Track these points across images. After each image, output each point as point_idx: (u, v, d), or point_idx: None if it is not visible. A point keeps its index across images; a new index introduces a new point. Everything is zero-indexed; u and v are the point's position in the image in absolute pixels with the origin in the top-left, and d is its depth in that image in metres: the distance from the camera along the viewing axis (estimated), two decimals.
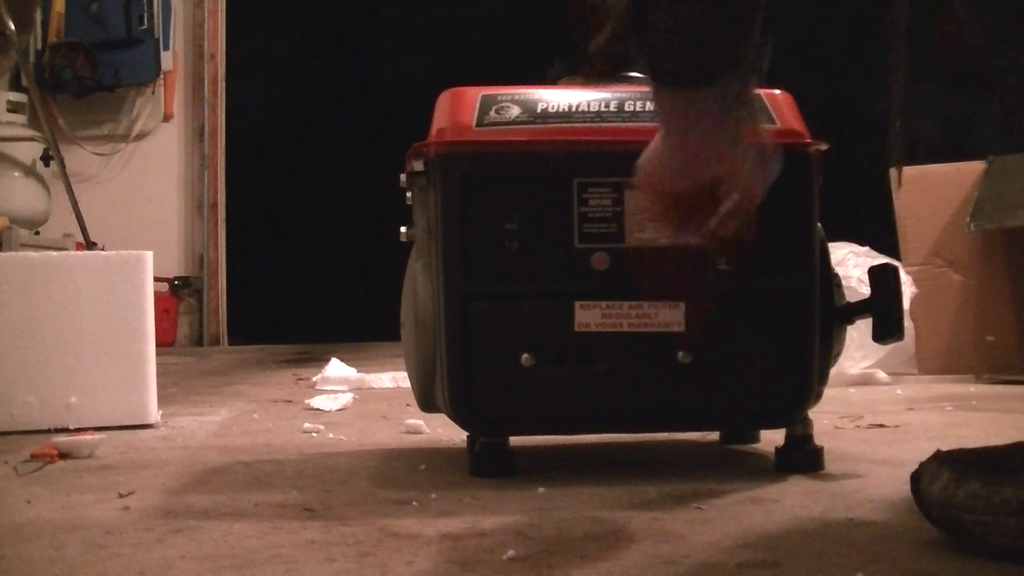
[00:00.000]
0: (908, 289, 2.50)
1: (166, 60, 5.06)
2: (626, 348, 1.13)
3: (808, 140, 1.15)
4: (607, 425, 1.24)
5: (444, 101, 1.18)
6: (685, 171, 0.95)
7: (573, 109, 1.15)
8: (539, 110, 1.15)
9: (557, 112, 1.15)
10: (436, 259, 1.14)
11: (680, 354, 1.13)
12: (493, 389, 1.14)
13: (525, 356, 1.12)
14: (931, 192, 2.74)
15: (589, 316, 1.13)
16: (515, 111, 1.15)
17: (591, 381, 1.14)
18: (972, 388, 2.27)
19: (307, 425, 1.64)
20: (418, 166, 1.17)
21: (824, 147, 1.15)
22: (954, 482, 0.80)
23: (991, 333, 2.60)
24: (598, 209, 1.13)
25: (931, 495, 0.82)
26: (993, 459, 0.81)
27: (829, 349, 1.18)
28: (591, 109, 1.15)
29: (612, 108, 1.16)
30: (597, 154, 1.14)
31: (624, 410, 1.16)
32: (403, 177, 1.20)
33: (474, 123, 1.14)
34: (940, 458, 0.83)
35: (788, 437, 1.19)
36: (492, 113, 1.15)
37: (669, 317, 1.13)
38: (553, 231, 1.13)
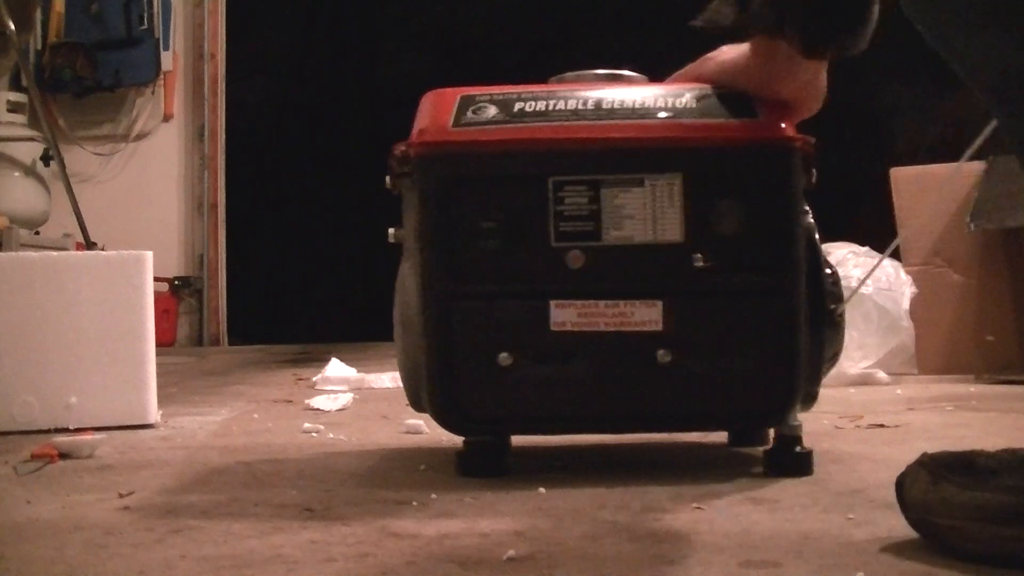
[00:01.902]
0: (908, 289, 2.50)
1: (166, 60, 5.06)
2: (605, 347, 1.12)
3: (790, 134, 1.13)
4: (588, 425, 1.22)
5: (426, 102, 1.18)
6: (758, 90, 1.14)
7: (550, 108, 1.15)
8: (515, 109, 1.15)
9: (534, 111, 1.14)
10: (418, 259, 1.14)
11: (660, 353, 1.12)
12: (474, 389, 1.13)
13: (503, 355, 1.12)
14: (931, 192, 2.74)
15: (565, 315, 1.12)
16: (492, 111, 1.15)
17: (570, 381, 1.13)
18: (972, 388, 2.27)
19: (307, 425, 1.64)
20: (402, 168, 1.17)
21: (811, 141, 1.14)
22: (931, 485, 0.80)
23: (991, 333, 2.60)
24: (574, 207, 1.12)
25: (911, 498, 0.82)
26: (973, 463, 0.80)
27: (820, 349, 1.16)
28: (568, 107, 1.14)
29: (589, 106, 1.15)
30: (572, 152, 1.13)
31: (604, 410, 1.15)
32: (388, 179, 1.20)
33: (451, 124, 1.14)
34: (922, 461, 0.83)
35: (777, 439, 1.18)
36: (469, 113, 1.14)
37: (646, 316, 1.12)
38: (530, 230, 1.12)
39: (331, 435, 1.57)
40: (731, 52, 1.17)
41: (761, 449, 1.20)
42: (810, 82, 1.14)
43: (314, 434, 1.58)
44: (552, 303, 1.12)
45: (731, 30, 1.12)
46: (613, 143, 1.13)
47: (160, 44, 5.01)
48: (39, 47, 4.91)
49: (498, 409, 1.14)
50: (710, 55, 1.19)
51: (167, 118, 5.20)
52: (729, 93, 1.15)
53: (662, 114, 1.14)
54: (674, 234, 1.12)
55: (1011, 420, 1.71)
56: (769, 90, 1.13)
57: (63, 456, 1.33)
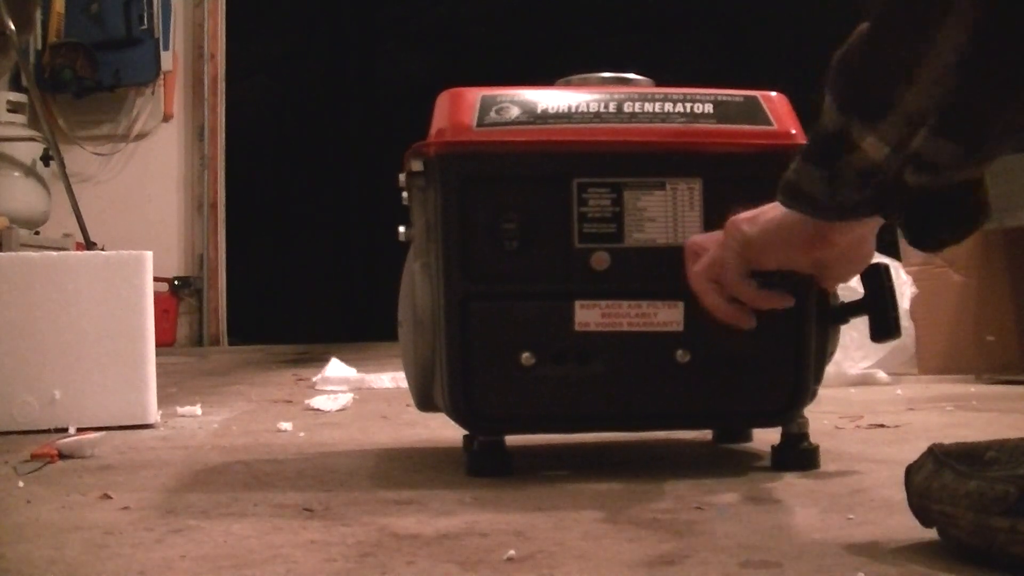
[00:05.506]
0: (908, 289, 2.50)
1: (166, 60, 5.06)
2: (625, 347, 1.14)
3: (802, 142, 1.15)
4: (606, 424, 1.24)
5: (443, 101, 1.18)
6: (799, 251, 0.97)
7: (573, 110, 1.16)
8: (539, 111, 1.16)
9: (557, 113, 1.16)
10: (435, 259, 1.15)
11: (679, 353, 1.14)
12: (492, 388, 1.14)
13: (525, 355, 1.13)
14: None
15: (589, 315, 1.13)
16: (515, 112, 1.15)
17: (590, 380, 1.14)
18: (972, 388, 2.27)
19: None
20: (417, 166, 1.17)
21: None
22: (933, 472, 0.81)
23: (991, 333, 2.60)
24: (598, 209, 1.14)
25: (914, 484, 0.82)
26: (980, 454, 0.80)
27: (825, 348, 1.18)
28: (591, 110, 1.16)
29: (611, 109, 1.16)
30: (597, 154, 1.14)
31: (622, 409, 1.16)
32: (401, 177, 1.21)
33: (474, 123, 1.14)
34: (931, 449, 0.84)
35: (784, 436, 1.20)
36: (492, 114, 1.15)
37: (668, 316, 1.14)
38: (553, 231, 1.14)
39: (331, 436, 1.57)
40: (775, 211, 0.98)
41: (769, 446, 1.21)
42: (865, 238, 1.01)
43: (301, 434, 1.58)
44: (577, 304, 1.13)
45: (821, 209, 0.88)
46: (636, 147, 1.15)
47: (160, 44, 5.02)
48: (39, 47, 4.92)
49: (518, 408, 1.15)
50: (744, 216, 1.01)
51: (167, 118, 5.21)
52: (746, 100, 1.17)
53: (682, 119, 1.16)
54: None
55: (1011, 420, 1.71)
56: (822, 242, 0.96)
57: (63, 456, 1.33)
